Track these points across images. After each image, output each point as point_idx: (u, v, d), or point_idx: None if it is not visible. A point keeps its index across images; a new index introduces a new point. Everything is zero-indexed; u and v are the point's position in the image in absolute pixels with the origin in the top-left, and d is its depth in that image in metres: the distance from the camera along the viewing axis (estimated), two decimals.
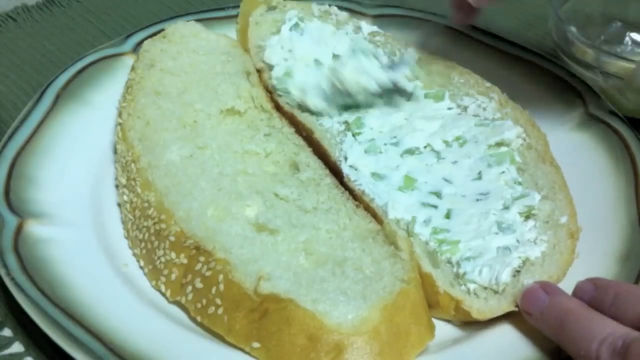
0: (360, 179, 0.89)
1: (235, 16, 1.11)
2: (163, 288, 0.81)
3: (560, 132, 0.98)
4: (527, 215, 0.85)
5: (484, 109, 0.98)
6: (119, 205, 0.91)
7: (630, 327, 0.69)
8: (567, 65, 1.08)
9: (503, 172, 0.89)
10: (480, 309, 0.78)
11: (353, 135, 0.94)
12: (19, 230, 0.82)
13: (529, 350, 0.76)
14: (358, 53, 0.97)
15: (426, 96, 0.99)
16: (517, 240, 0.82)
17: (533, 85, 1.05)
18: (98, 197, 0.91)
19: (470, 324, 0.80)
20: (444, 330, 0.79)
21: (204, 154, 0.91)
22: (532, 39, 1.22)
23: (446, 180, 0.89)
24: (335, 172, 0.91)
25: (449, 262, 0.81)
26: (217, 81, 0.99)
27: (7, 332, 0.81)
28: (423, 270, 0.80)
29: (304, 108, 0.97)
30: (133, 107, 0.95)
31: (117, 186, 0.92)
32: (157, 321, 0.78)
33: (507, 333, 0.78)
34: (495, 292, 0.79)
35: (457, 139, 0.94)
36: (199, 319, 0.78)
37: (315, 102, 0.96)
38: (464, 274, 0.79)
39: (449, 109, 0.99)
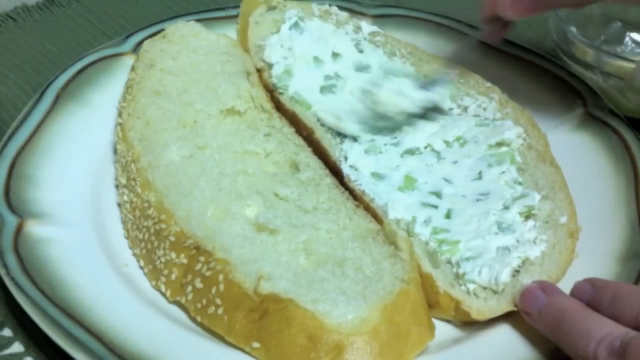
0: (360, 179, 0.89)
1: (235, 16, 1.11)
2: (163, 288, 0.81)
3: (560, 132, 0.98)
4: (527, 215, 0.85)
5: (485, 109, 0.98)
6: (119, 205, 0.91)
7: (628, 327, 0.69)
8: (567, 65, 1.08)
9: (503, 172, 0.89)
10: (480, 309, 0.78)
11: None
12: (19, 230, 0.82)
13: (528, 351, 0.76)
14: (390, 75, 0.97)
15: None
16: (517, 240, 0.82)
17: (533, 85, 1.05)
18: (98, 197, 0.91)
19: (470, 324, 0.80)
20: (444, 330, 0.80)
21: (204, 154, 0.91)
22: (532, 39, 1.22)
23: (446, 180, 0.89)
24: (335, 172, 0.91)
25: (449, 262, 0.81)
26: (217, 81, 0.99)
27: (7, 332, 0.81)
28: (423, 271, 0.80)
29: (303, 104, 0.97)
30: (133, 107, 0.95)
31: (117, 186, 0.92)
32: (157, 321, 0.78)
33: (506, 333, 0.78)
34: (495, 292, 0.79)
35: (458, 139, 0.94)
36: (199, 319, 0.78)
37: (351, 127, 0.94)
38: (464, 274, 0.79)
39: (450, 109, 0.99)
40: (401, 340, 0.74)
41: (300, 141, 0.94)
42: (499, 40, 1.02)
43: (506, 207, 0.85)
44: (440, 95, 0.96)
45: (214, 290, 0.77)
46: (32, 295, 0.76)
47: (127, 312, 0.77)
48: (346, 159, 0.91)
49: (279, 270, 0.77)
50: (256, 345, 0.74)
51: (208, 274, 0.78)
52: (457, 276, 0.80)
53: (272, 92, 1.00)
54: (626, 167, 0.92)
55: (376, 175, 0.90)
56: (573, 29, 1.07)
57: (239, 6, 1.10)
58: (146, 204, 0.85)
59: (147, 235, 0.84)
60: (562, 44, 1.08)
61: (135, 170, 0.88)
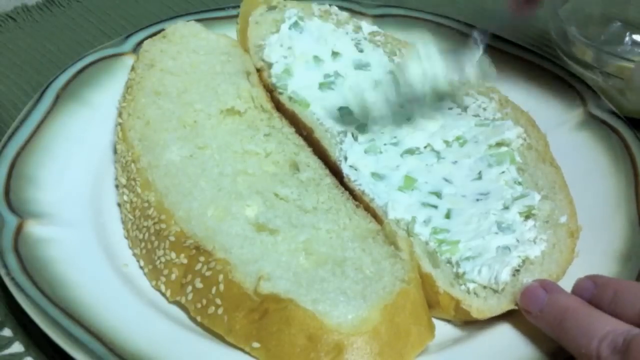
0: (360, 179, 0.89)
1: (235, 16, 1.11)
2: (163, 288, 0.81)
3: (560, 132, 0.98)
4: (527, 215, 0.85)
5: (484, 109, 0.98)
6: (119, 205, 0.91)
7: (630, 324, 0.69)
8: (567, 65, 1.08)
9: (503, 172, 0.89)
10: (480, 308, 0.78)
11: (353, 135, 0.94)
12: (19, 230, 0.82)
13: (529, 350, 0.76)
14: (421, 54, 0.93)
15: None
16: (517, 240, 0.82)
17: (533, 85, 1.05)
18: (98, 197, 0.91)
19: (470, 324, 0.80)
20: (444, 330, 0.79)
21: (204, 154, 0.91)
22: (532, 39, 1.21)
23: (446, 180, 0.89)
24: (335, 172, 0.91)
25: (449, 262, 0.81)
26: (217, 81, 0.99)
27: (7, 332, 0.81)
28: (423, 270, 0.80)
29: (302, 103, 0.97)
30: (133, 107, 0.95)
31: (117, 186, 0.92)
32: (157, 321, 0.78)
33: (507, 333, 0.78)
34: (495, 291, 0.79)
35: (458, 139, 0.94)
36: (199, 319, 0.78)
37: (379, 109, 0.93)
38: (464, 273, 0.79)
39: (449, 108, 0.99)
40: (401, 340, 0.74)
41: (300, 141, 0.94)
42: (526, 16, 0.98)
43: (506, 207, 0.85)
44: (471, 70, 0.93)
45: (214, 290, 0.77)
46: (32, 295, 0.76)
47: (127, 312, 0.77)
48: (346, 158, 0.91)
49: (279, 270, 0.77)
50: (256, 345, 0.74)
51: (208, 274, 0.78)
52: (457, 276, 0.80)
53: (271, 92, 1.00)
54: (626, 167, 0.92)
55: (376, 175, 0.90)
56: (573, 29, 1.07)
57: (239, 6, 1.10)
58: (146, 204, 0.85)
59: (147, 235, 0.84)
60: (562, 44, 1.08)
61: (135, 170, 0.88)
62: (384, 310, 0.74)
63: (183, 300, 0.80)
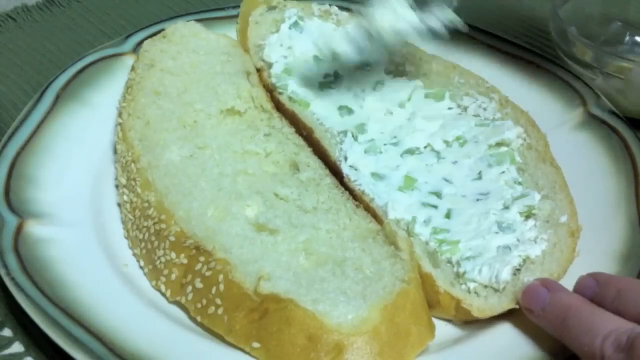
0: (360, 179, 0.89)
1: (235, 16, 1.11)
2: (163, 288, 0.81)
3: (560, 132, 0.98)
4: (527, 215, 0.85)
5: (484, 109, 0.98)
6: (119, 205, 0.91)
7: (634, 322, 0.68)
8: (567, 65, 1.08)
9: (503, 172, 0.89)
10: (481, 307, 0.78)
11: (353, 135, 0.94)
12: (19, 230, 0.82)
13: (529, 349, 0.75)
14: (393, 2, 0.94)
15: (426, 96, 1.00)
16: (518, 240, 0.82)
17: (533, 85, 1.05)
18: (98, 197, 0.91)
19: (471, 324, 0.80)
20: (444, 330, 0.79)
21: (204, 154, 0.91)
22: (532, 39, 1.22)
23: (446, 180, 0.89)
24: (335, 172, 0.91)
25: (449, 261, 0.81)
26: (217, 81, 0.99)
27: (7, 332, 0.81)
28: (423, 270, 0.80)
29: (301, 103, 0.97)
30: (133, 107, 0.95)
31: (117, 186, 0.92)
32: (157, 321, 0.78)
33: (507, 332, 0.78)
34: (496, 290, 0.79)
35: (458, 139, 0.94)
36: (199, 319, 0.78)
37: (347, 54, 0.95)
38: (464, 273, 0.79)
39: (449, 109, 0.99)
40: (401, 340, 0.74)
41: (300, 141, 0.94)
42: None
43: (506, 207, 0.85)
44: (436, 19, 0.94)
45: (214, 290, 0.77)
46: (32, 295, 0.76)
47: (127, 312, 0.77)
48: (346, 159, 0.91)
49: (279, 270, 0.77)
50: (256, 345, 0.74)
51: (208, 274, 0.78)
52: (458, 275, 0.80)
53: (271, 92, 1.00)
54: (626, 167, 0.92)
55: (376, 175, 0.90)
56: (573, 29, 1.07)
57: (239, 6, 1.11)
58: (146, 204, 0.85)
59: (147, 235, 0.84)
60: (562, 44, 1.08)
61: (135, 170, 0.88)
62: (384, 310, 0.74)
63: (183, 300, 0.79)
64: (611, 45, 1.13)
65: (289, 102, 0.98)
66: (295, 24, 1.05)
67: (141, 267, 0.85)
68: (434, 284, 0.79)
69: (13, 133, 0.93)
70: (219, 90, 0.97)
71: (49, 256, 0.81)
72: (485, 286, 0.79)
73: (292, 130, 0.95)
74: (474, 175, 0.90)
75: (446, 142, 0.93)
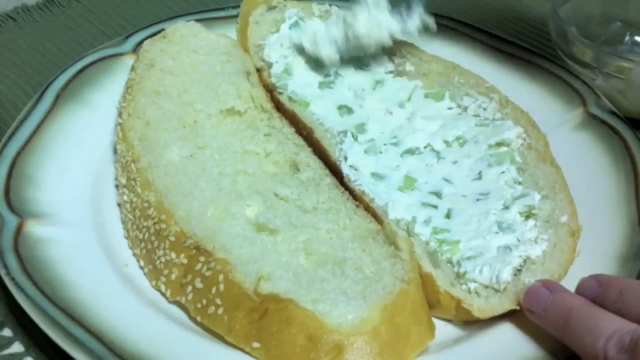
0: (360, 179, 0.89)
1: (235, 16, 1.11)
2: (163, 288, 0.81)
3: (560, 132, 0.98)
4: (528, 215, 0.85)
5: (484, 109, 0.98)
6: (119, 205, 0.91)
7: (636, 323, 0.68)
8: (567, 65, 1.08)
9: (503, 172, 0.89)
10: (482, 307, 0.78)
11: (353, 135, 0.94)
12: (19, 230, 0.82)
13: (530, 349, 0.75)
14: (370, 5, 0.98)
15: (426, 96, 1.00)
16: (518, 240, 0.82)
17: (533, 85, 1.05)
18: (98, 197, 0.91)
19: (471, 324, 0.80)
20: (444, 330, 0.79)
21: (204, 154, 0.91)
22: (532, 39, 1.22)
23: (446, 180, 0.89)
24: (335, 172, 0.91)
25: (450, 261, 0.81)
26: (217, 81, 0.99)
27: (7, 332, 0.81)
28: (423, 270, 0.79)
29: (301, 103, 0.97)
30: (133, 107, 0.95)
31: (117, 186, 0.92)
32: (157, 321, 0.78)
33: (507, 332, 0.78)
34: (497, 290, 0.79)
35: (458, 139, 0.94)
36: (199, 319, 0.78)
37: (328, 53, 0.99)
38: (465, 273, 0.79)
39: (449, 109, 0.99)
40: (401, 340, 0.74)
41: (300, 141, 0.94)
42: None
43: (506, 207, 0.85)
44: (414, 26, 0.99)
45: (214, 290, 0.77)
46: (32, 295, 0.76)
47: (127, 312, 0.77)
48: (346, 159, 0.91)
49: (279, 270, 0.77)
50: (256, 345, 0.74)
51: (208, 274, 0.78)
52: (458, 275, 0.80)
53: (271, 92, 1.00)
54: (626, 167, 0.92)
55: (376, 175, 0.90)
56: (573, 29, 1.07)
57: (239, 6, 1.11)
58: (146, 204, 0.85)
59: (147, 235, 0.84)
60: (562, 44, 1.08)
61: (135, 170, 0.88)
62: (384, 310, 0.74)
63: (183, 300, 0.79)
64: (611, 45, 1.13)
65: (289, 102, 0.98)
66: (295, 24, 1.05)
67: (141, 267, 0.85)
68: (434, 284, 0.79)
69: (13, 133, 0.93)
70: (219, 90, 0.97)
71: (49, 256, 0.81)
72: (486, 286, 0.79)
73: (292, 130, 0.95)
74: (474, 175, 0.90)
75: (446, 142, 0.93)
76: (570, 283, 0.78)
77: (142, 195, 0.86)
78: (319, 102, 0.98)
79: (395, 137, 0.94)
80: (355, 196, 0.88)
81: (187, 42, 1.04)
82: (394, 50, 1.06)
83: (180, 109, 0.95)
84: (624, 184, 0.90)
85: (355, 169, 0.90)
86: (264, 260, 0.78)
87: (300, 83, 1.00)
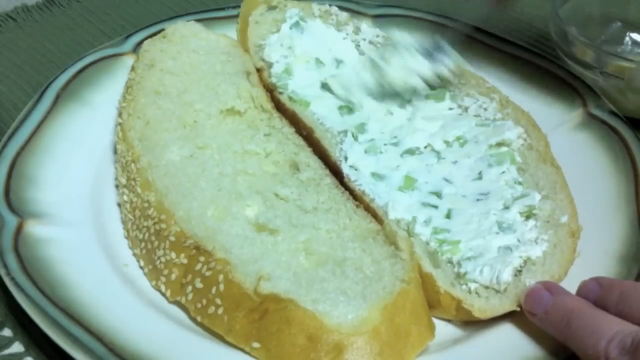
0: (360, 179, 0.89)
1: (236, 16, 1.11)
2: (163, 288, 0.81)
3: (560, 132, 0.98)
4: (528, 215, 0.85)
5: (485, 110, 0.98)
6: (119, 205, 0.91)
7: (637, 325, 0.68)
8: (567, 65, 1.08)
9: (503, 172, 0.89)
10: (482, 307, 0.78)
11: (353, 135, 0.94)
12: (19, 230, 0.82)
13: (530, 349, 0.75)
14: (400, 49, 0.97)
15: (427, 96, 0.99)
16: (518, 240, 0.82)
17: (533, 85, 1.05)
18: (98, 197, 0.91)
19: (471, 324, 0.80)
20: (444, 330, 0.79)
21: (204, 154, 0.91)
22: (532, 39, 1.21)
23: (446, 180, 0.89)
24: (336, 172, 0.91)
25: (450, 262, 0.81)
26: (217, 81, 0.99)
27: (7, 332, 0.81)
28: (424, 271, 0.79)
29: (302, 103, 0.97)
30: (133, 107, 0.95)
31: (117, 186, 0.92)
32: (157, 321, 0.78)
33: (507, 333, 0.78)
34: (497, 291, 0.79)
35: (458, 139, 0.94)
36: (199, 319, 0.78)
37: (362, 99, 0.97)
38: (465, 273, 0.79)
39: (450, 109, 0.99)
40: (401, 340, 0.74)
41: (300, 141, 0.94)
42: (505, 8, 1.03)
43: (506, 207, 0.85)
44: (444, 66, 0.97)
45: (214, 290, 0.77)
46: (32, 295, 0.76)
47: (127, 312, 0.77)
48: (346, 159, 0.91)
49: (279, 270, 0.77)
50: (256, 345, 0.74)
51: (208, 274, 0.78)
52: (458, 276, 0.80)
53: (272, 92, 1.00)
54: (626, 167, 0.92)
55: (376, 175, 0.90)
56: (573, 29, 1.07)
57: (239, 6, 1.10)
58: (146, 204, 0.85)
59: (147, 235, 0.84)
60: (562, 44, 1.08)
61: (135, 170, 0.88)
62: (384, 310, 0.74)
63: (183, 300, 0.79)
64: (611, 45, 1.13)
65: (289, 102, 0.98)
66: (296, 24, 1.05)
67: (141, 267, 0.85)
68: (435, 284, 0.79)
69: (13, 133, 0.93)
70: (219, 90, 0.97)
71: (49, 256, 0.81)
72: (486, 287, 0.79)
73: (292, 130, 0.95)
74: (474, 175, 0.90)
75: (446, 142, 0.93)
76: (570, 283, 0.78)
77: (142, 195, 0.86)
78: (319, 102, 0.98)
79: (395, 137, 0.94)
80: (355, 196, 0.88)
81: (187, 42, 1.04)
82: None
83: (180, 109, 0.95)
84: (624, 184, 0.90)
85: (356, 169, 0.90)
86: (264, 260, 0.78)
87: (301, 83, 1.00)
